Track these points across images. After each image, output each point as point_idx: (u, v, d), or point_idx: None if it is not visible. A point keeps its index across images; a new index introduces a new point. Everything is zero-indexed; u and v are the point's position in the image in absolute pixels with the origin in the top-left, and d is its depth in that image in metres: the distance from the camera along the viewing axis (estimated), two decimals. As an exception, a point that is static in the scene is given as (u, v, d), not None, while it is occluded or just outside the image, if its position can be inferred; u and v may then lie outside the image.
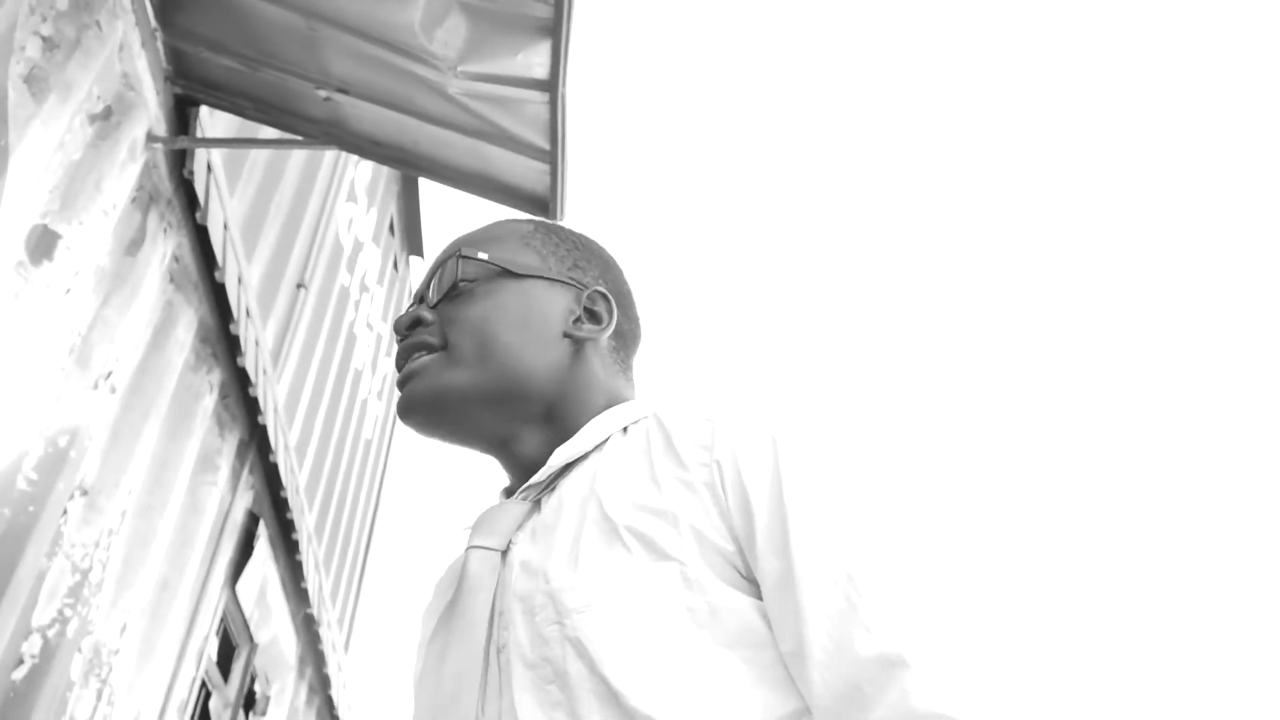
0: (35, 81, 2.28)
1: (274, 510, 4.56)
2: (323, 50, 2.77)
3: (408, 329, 0.90)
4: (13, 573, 2.34)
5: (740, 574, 0.72)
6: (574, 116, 2.67)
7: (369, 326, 6.74)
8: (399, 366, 0.90)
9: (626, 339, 0.96)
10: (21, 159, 2.23)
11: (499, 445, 0.89)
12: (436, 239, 8.68)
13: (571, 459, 0.83)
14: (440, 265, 0.92)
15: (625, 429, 0.85)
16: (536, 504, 0.83)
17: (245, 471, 4.11)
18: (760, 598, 0.71)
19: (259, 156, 4.00)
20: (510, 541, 0.81)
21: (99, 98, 2.63)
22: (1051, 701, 0.66)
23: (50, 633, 2.59)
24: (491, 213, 3.23)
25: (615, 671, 0.67)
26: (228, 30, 2.85)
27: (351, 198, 5.83)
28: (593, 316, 0.91)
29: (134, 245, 2.92)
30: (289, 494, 4.49)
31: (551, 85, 2.57)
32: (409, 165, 3.08)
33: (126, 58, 2.73)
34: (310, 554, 5.07)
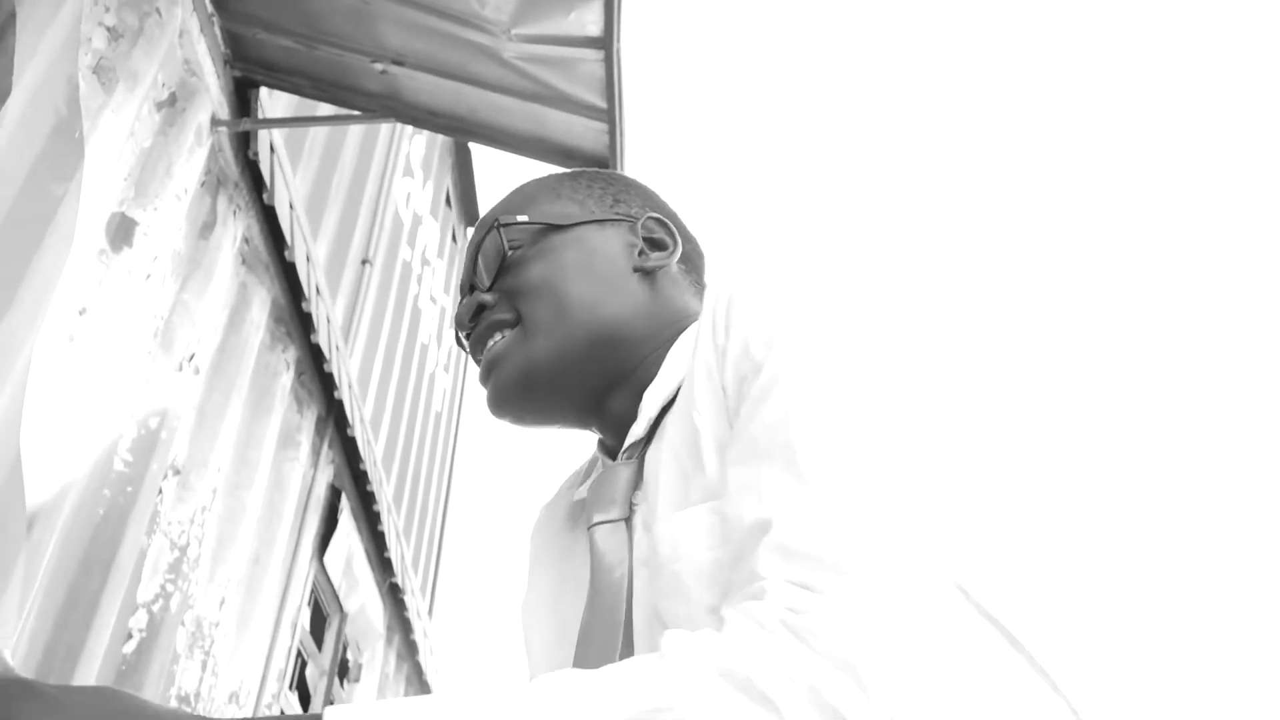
0: (104, 72, 2.33)
1: (354, 483, 4.66)
2: (376, 23, 2.78)
3: (471, 320, 0.82)
4: (117, 551, 2.43)
5: None
6: (630, 72, 2.66)
7: (432, 300, 6.81)
8: (476, 352, 0.83)
9: (693, 259, 0.89)
10: (96, 148, 2.29)
11: (594, 408, 0.81)
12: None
13: (665, 402, 0.75)
14: (479, 245, 0.84)
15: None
16: (641, 462, 0.76)
17: (325, 446, 4.20)
18: None
19: (317, 135, 4.05)
20: (632, 505, 0.75)
21: (164, 85, 2.67)
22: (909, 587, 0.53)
23: (155, 608, 2.69)
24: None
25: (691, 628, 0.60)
26: (281, 10, 2.88)
27: (408, 172, 5.87)
28: (654, 245, 0.84)
29: (206, 229, 2.97)
30: (368, 467, 4.58)
31: (606, 42, 2.55)
32: (467, 133, 3.09)
33: (187, 43, 2.77)
34: (391, 525, 5.18)
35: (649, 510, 0.72)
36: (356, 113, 3.16)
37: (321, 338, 3.77)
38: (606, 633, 0.71)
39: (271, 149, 3.25)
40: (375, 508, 4.84)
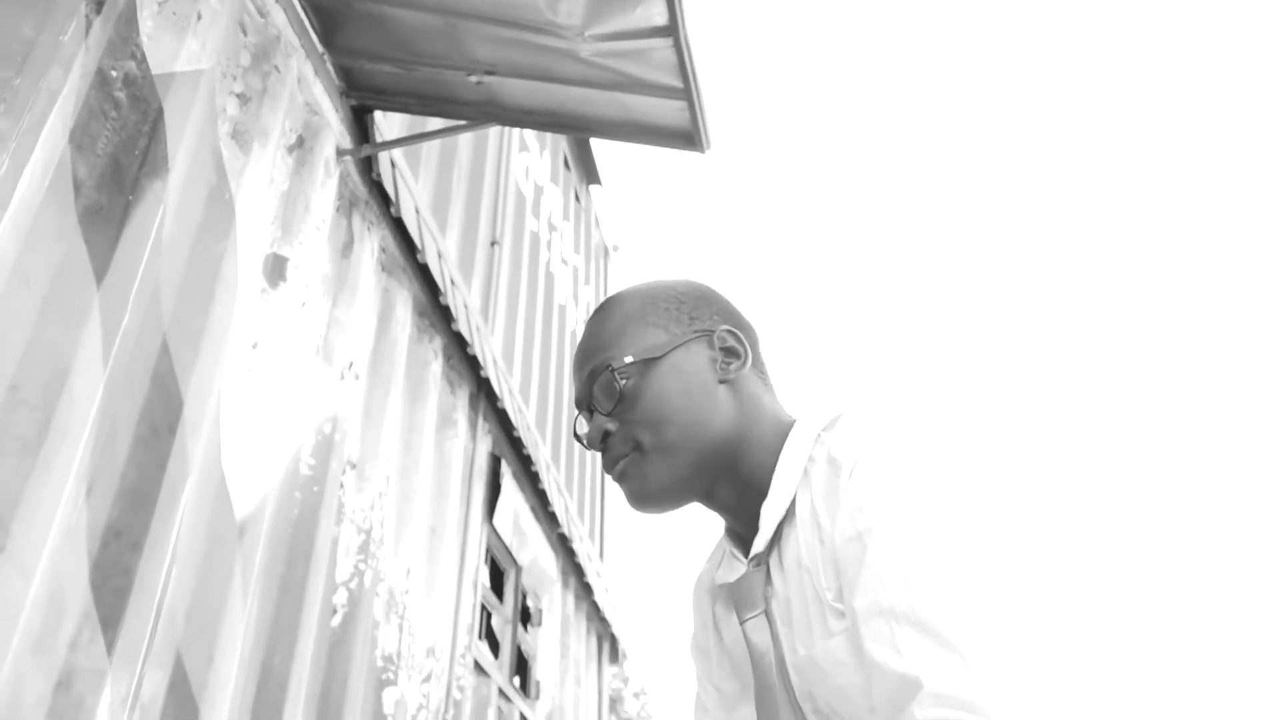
0: (240, 135, 2.66)
1: (512, 449, 5.06)
2: (464, 41, 3.02)
3: (601, 443, 1.06)
4: (313, 542, 2.84)
5: None
6: (699, 53, 2.81)
7: (564, 262, 7.13)
8: (608, 469, 1.09)
9: (756, 350, 1.11)
10: (244, 204, 2.63)
11: (705, 496, 1.06)
12: (611, 164, 8.94)
13: (779, 519, 1.00)
14: (592, 377, 1.07)
15: (805, 472, 1.01)
16: (767, 566, 1.02)
17: (480, 419, 4.59)
18: None
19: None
20: (766, 598, 1.02)
21: (291, 130, 3.01)
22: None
23: (352, 585, 3.11)
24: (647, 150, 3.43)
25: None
26: (381, 40, 3.16)
27: (524, 148, 6.15)
28: (728, 353, 1.07)
29: (346, 248, 3.33)
30: (521, 432, 4.96)
31: (673, 30, 2.71)
32: (561, 127, 3.31)
33: (305, 88, 3.10)
34: (551, 481, 5.58)
35: (780, 607, 1.00)
36: (462, 122, 3.44)
37: (461, 325, 4.12)
38: (771, 701, 0.99)
39: (392, 164, 3.57)
40: (534, 468, 5.23)
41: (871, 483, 0.91)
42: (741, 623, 1.03)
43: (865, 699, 0.89)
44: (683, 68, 2.84)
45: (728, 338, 1.07)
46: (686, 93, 2.93)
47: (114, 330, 2.04)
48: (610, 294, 1.16)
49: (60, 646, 1.82)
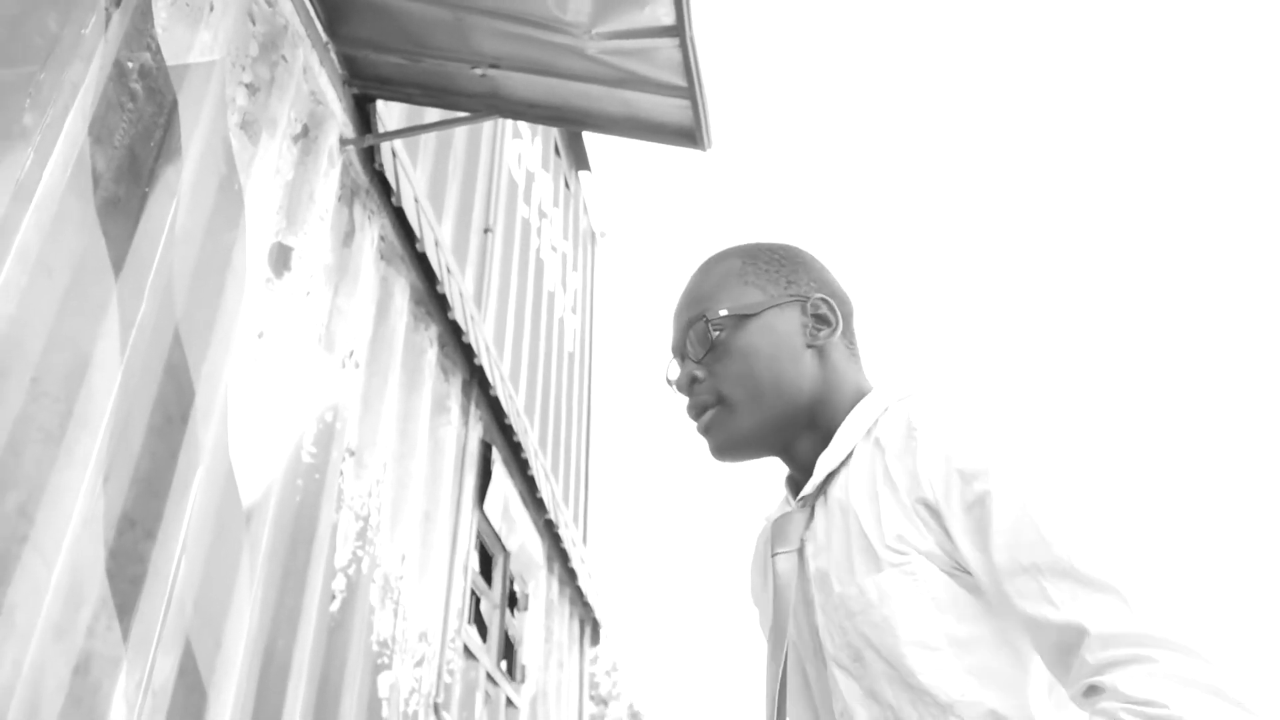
0: (249, 125, 2.68)
1: (502, 435, 5.10)
2: (471, 34, 3.04)
3: (689, 389, 1.12)
4: (314, 529, 2.88)
5: (956, 565, 0.93)
6: (705, 53, 2.84)
7: (553, 249, 7.15)
8: (692, 417, 1.13)
9: (847, 321, 1.15)
10: (252, 193, 2.65)
11: (782, 451, 1.12)
12: (600, 152, 8.94)
13: (832, 469, 1.05)
14: (688, 324, 1.12)
15: (869, 431, 1.04)
16: (812, 508, 1.07)
17: (472, 406, 4.63)
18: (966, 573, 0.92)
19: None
20: (802, 540, 1.07)
21: (297, 120, 3.02)
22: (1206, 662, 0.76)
23: (350, 571, 3.15)
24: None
25: (897, 657, 0.93)
26: (387, 31, 3.17)
27: (517, 134, 6.16)
28: (819, 320, 1.10)
29: (348, 237, 3.35)
30: (512, 419, 5.00)
31: (679, 30, 2.74)
32: (564, 121, 3.34)
33: (310, 78, 3.11)
34: (539, 467, 5.63)
35: (818, 549, 1.05)
36: (464, 114, 3.46)
37: (457, 314, 4.15)
38: (781, 631, 1.04)
39: (394, 154, 3.59)
40: (523, 455, 5.27)
41: (976, 450, 0.92)
42: (772, 555, 1.08)
43: (906, 630, 0.92)
44: (688, 67, 2.87)
45: (820, 305, 1.11)
46: (690, 91, 2.96)
47: (130, 322, 2.06)
48: (717, 250, 1.19)
49: (79, 633, 1.86)
